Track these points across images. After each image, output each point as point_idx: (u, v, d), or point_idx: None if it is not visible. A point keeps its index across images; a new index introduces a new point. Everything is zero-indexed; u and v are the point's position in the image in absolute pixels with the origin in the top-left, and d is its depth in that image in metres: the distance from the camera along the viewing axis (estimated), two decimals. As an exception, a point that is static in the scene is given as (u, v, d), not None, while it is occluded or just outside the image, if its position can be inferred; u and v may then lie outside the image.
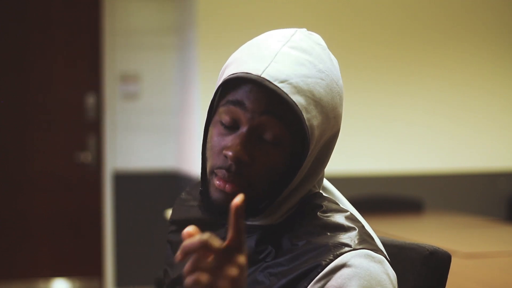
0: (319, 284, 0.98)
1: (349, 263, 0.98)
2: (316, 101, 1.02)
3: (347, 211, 1.08)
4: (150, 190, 4.56)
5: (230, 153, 1.00)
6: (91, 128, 4.62)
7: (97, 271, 4.61)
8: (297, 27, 1.11)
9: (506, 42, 4.52)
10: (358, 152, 4.26)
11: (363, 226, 1.07)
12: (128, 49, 4.52)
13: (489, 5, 4.49)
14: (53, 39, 4.60)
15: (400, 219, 3.49)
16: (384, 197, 3.99)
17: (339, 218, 1.05)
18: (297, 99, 1.00)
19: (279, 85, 0.99)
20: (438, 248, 1.16)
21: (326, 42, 1.13)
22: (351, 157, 4.24)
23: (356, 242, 1.01)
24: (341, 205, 1.10)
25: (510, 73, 4.53)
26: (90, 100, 4.61)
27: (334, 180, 1.18)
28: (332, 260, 0.99)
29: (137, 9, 4.57)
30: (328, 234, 1.03)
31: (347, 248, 1.00)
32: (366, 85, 4.29)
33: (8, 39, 4.57)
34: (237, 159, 1.00)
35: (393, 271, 1.03)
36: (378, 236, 1.11)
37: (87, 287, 4.63)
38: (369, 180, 4.25)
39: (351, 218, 1.07)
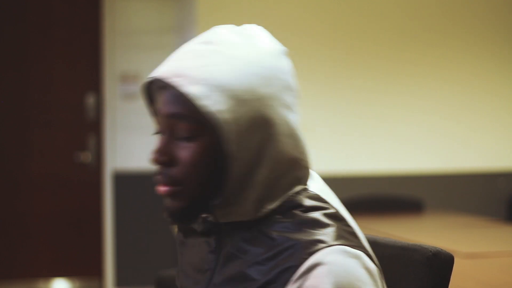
0: (296, 285, 0.98)
1: (324, 260, 0.97)
2: (219, 86, 1.01)
3: (328, 208, 1.07)
4: (150, 190, 4.55)
5: (151, 159, 1.07)
6: (91, 128, 4.62)
7: (97, 271, 4.61)
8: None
9: (506, 42, 4.52)
10: (358, 152, 4.26)
11: (343, 223, 1.05)
12: (128, 49, 4.52)
13: (489, 5, 4.49)
14: (53, 39, 4.60)
15: (400, 219, 3.49)
16: (384, 197, 3.99)
17: (318, 215, 1.04)
18: (194, 89, 1.01)
19: (174, 79, 1.02)
20: (441, 249, 1.16)
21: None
22: (351, 157, 4.24)
23: (332, 238, 1.00)
24: (326, 201, 1.08)
25: (510, 73, 4.53)
26: (90, 100, 4.61)
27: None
28: (306, 259, 0.98)
29: (137, 9, 4.57)
30: (305, 230, 1.02)
31: (322, 245, 0.99)
32: (366, 85, 4.29)
33: (8, 39, 4.57)
34: (157, 162, 1.06)
35: (374, 265, 1.02)
36: (379, 236, 1.10)
37: (87, 287, 4.63)
38: (369, 180, 4.25)
39: (332, 215, 1.05)
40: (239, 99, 1.02)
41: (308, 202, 1.06)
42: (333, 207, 1.07)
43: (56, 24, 4.60)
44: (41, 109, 4.59)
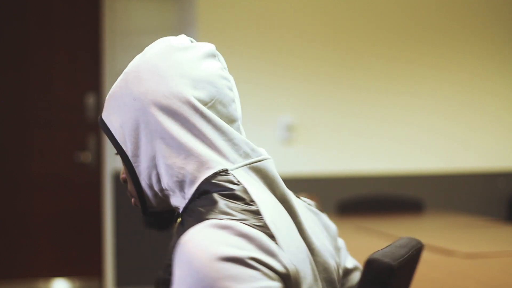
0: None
1: (186, 239, 0.97)
2: (107, 100, 1.18)
3: (230, 189, 1.06)
4: (150, 190, 4.55)
5: None
6: (91, 128, 4.62)
7: (97, 271, 4.61)
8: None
9: (506, 42, 4.53)
10: (358, 152, 4.26)
11: (244, 202, 1.04)
12: (128, 49, 4.52)
13: (489, 5, 4.49)
14: (53, 38, 4.60)
15: (400, 219, 3.49)
16: (384, 197, 3.99)
17: (212, 195, 1.05)
18: (102, 113, 1.19)
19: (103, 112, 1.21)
20: (379, 258, 1.11)
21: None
22: (351, 157, 4.24)
23: (209, 214, 1.01)
24: (239, 183, 1.07)
25: (510, 73, 4.53)
26: (90, 100, 4.61)
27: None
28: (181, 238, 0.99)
29: (137, 9, 4.57)
30: (195, 211, 1.04)
31: (194, 223, 1.00)
32: (366, 85, 4.29)
33: (8, 38, 4.58)
34: (122, 181, 1.24)
35: (257, 230, 0.99)
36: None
37: (87, 287, 4.63)
38: (369, 180, 4.25)
39: (228, 195, 1.05)
40: (124, 105, 1.14)
41: (216, 185, 1.07)
42: (242, 189, 1.06)
43: (56, 24, 4.60)
44: (41, 109, 4.59)
